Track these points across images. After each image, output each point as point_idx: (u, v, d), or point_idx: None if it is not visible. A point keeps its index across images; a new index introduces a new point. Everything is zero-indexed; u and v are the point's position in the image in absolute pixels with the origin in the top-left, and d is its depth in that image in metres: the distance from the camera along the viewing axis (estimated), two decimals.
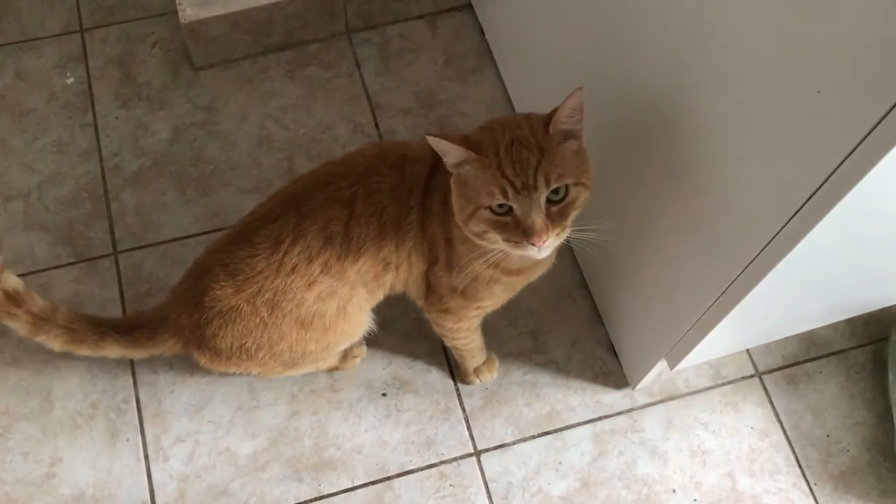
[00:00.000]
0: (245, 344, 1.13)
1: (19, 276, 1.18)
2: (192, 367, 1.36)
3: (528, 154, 0.90)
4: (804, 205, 0.82)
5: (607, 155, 1.22)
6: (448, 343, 1.30)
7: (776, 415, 1.40)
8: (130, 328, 1.20)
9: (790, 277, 0.94)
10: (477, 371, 1.37)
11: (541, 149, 0.91)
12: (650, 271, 1.22)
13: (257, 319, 1.10)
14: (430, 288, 1.13)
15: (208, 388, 1.37)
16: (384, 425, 1.36)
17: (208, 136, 1.58)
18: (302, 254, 1.05)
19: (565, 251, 1.49)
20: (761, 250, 0.91)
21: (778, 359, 1.45)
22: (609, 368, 1.42)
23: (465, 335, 1.25)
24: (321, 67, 1.66)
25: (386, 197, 1.05)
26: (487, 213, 0.93)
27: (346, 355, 1.36)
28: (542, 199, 0.91)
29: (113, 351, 1.22)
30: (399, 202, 1.05)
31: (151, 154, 1.56)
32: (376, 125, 1.60)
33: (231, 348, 1.14)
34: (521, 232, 0.91)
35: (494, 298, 1.13)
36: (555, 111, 0.92)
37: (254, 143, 1.58)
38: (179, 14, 1.55)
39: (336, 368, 1.37)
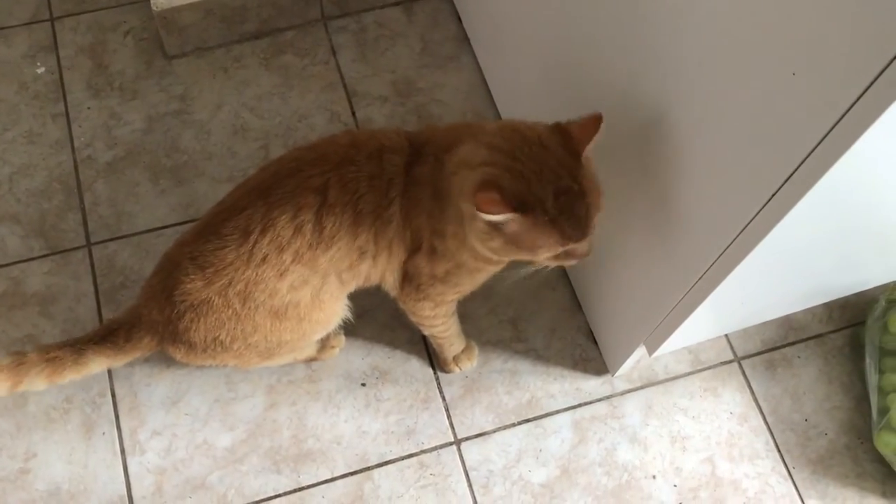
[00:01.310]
0: (219, 336, 1.12)
1: None
2: (167, 360, 1.34)
3: (578, 203, 0.93)
4: (778, 191, 0.82)
5: None
6: (426, 332, 1.30)
7: (755, 400, 1.41)
8: (105, 335, 1.17)
9: (766, 262, 0.94)
10: (456, 359, 1.36)
11: (583, 191, 0.93)
12: (627, 258, 1.21)
13: (230, 311, 1.09)
14: (406, 277, 1.12)
15: (185, 381, 1.36)
16: (363, 415, 1.35)
17: (182, 126, 1.56)
18: (272, 244, 1.04)
19: None
20: (736, 236, 0.91)
21: (756, 344, 1.45)
22: (589, 355, 1.42)
23: (444, 321, 1.25)
24: (296, 55, 1.64)
25: (363, 186, 1.03)
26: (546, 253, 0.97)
27: (324, 345, 1.35)
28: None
29: (96, 363, 1.17)
30: (378, 192, 1.04)
31: (124, 144, 1.54)
32: (353, 113, 1.59)
33: (205, 341, 1.12)
34: (567, 254, 0.98)
35: (475, 284, 1.13)
36: (580, 139, 0.94)
37: (229, 133, 1.56)
38: (151, 2, 1.53)
39: (314, 359, 1.36)
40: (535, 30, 1.29)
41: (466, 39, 1.67)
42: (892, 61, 0.63)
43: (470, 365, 1.38)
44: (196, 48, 1.63)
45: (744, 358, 1.44)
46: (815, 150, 0.75)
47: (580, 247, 0.97)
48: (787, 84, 0.75)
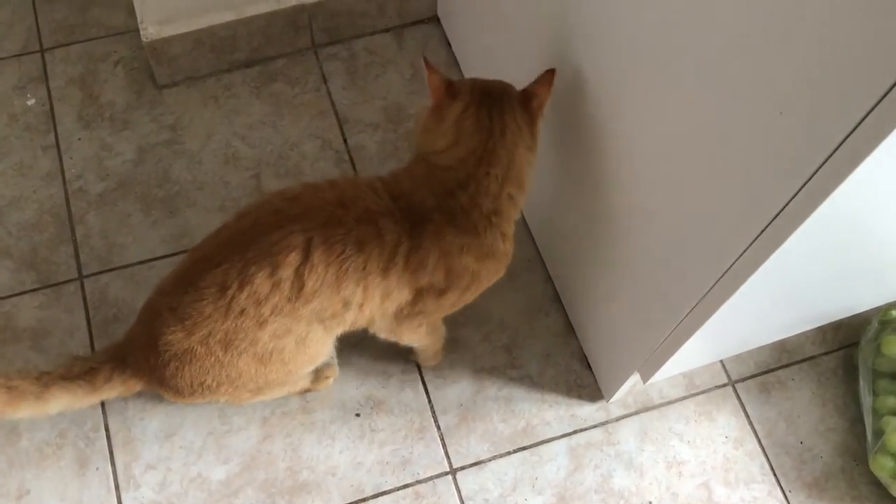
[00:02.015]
0: (205, 382, 1.11)
1: None
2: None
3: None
4: (773, 219, 0.82)
5: (574, 164, 1.22)
6: (414, 345, 1.30)
7: (750, 423, 1.41)
8: (80, 373, 1.13)
9: (761, 291, 0.94)
10: (435, 353, 1.38)
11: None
12: (621, 285, 1.22)
13: (212, 359, 1.08)
14: (404, 315, 1.12)
15: (178, 414, 1.35)
16: (358, 446, 1.35)
17: (173, 156, 1.56)
18: (249, 298, 1.03)
19: (537, 265, 1.49)
20: (731, 265, 0.91)
21: (750, 367, 1.46)
22: (583, 381, 1.42)
23: (434, 330, 1.28)
24: (287, 83, 1.64)
25: (350, 249, 1.02)
26: None
27: (318, 376, 1.34)
28: None
29: (58, 402, 1.12)
30: (377, 255, 1.04)
31: (116, 175, 1.53)
32: (345, 140, 1.59)
33: (191, 386, 1.12)
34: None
35: (479, 290, 1.16)
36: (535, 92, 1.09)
37: (220, 162, 1.56)
38: (141, 32, 1.53)
39: (308, 390, 1.36)
40: (525, 55, 1.29)
41: (456, 64, 1.67)
42: (891, 88, 0.63)
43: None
44: (187, 77, 1.63)
45: (738, 381, 1.44)
46: (810, 182, 0.75)
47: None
48: (778, 117, 0.75)
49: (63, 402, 1.13)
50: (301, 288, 1.02)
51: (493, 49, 1.45)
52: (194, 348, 1.07)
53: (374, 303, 1.08)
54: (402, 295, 1.08)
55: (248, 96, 1.63)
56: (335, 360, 1.35)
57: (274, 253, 1.02)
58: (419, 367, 1.40)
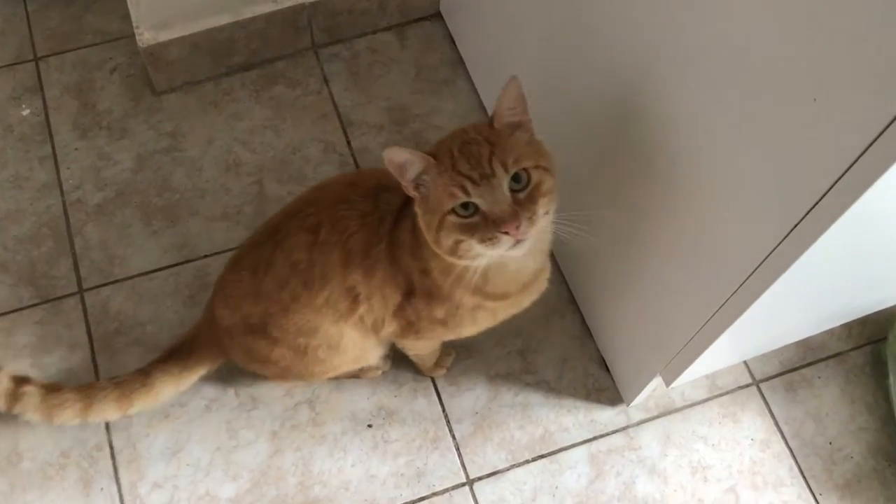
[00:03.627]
0: (255, 358, 1.16)
1: None
2: (166, 410, 1.30)
3: (479, 149, 0.87)
4: (807, 214, 0.77)
5: (593, 162, 1.17)
6: (409, 353, 1.28)
7: (776, 424, 1.36)
8: (168, 354, 1.22)
9: (793, 288, 0.89)
10: (439, 362, 1.34)
11: (491, 142, 0.88)
12: (641, 285, 1.17)
13: (251, 340, 1.12)
14: (407, 323, 1.07)
15: (185, 430, 1.31)
16: (371, 458, 1.30)
17: (173, 164, 1.52)
18: (273, 282, 1.06)
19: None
20: (763, 261, 0.87)
21: (775, 365, 1.41)
22: (602, 385, 1.37)
23: (435, 346, 1.26)
24: (288, 86, 1.60)
25: (353, 224, 1.01)
26: (454, 219, 0.87)
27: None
28: (504, 185, 0.86)
29: (164, 385, 1.21)
30: (369, 230, 1.01)
31: (115, 185, 1.49)
32: (348, 143, 1.54)
33: (246, 360, 1.19)
34: (492, 224, 0.85)
35: (477, 326, 1.08)
36: (496, 107, 0.89)
37: (221, 169, 1.51)
38: (137, 38, 1.49)
39: (356, 376, 1.34)
40: (531, 49, 1.25)
41: (461, 62, 1.63)
42: None
43: (450, 359, 1.36)
44: (185, 83, 1.58)
45: (762, 381, 1.39)
46: (846, 175, 0.70)
47: (496, 207, 0.85)
48: (812, 110, 0.71)
49: (168, 385, 1.21)
50: (312, 270, 1.03)
51: (499, 45, 1.41)
52: (237, 326, 1.12)
53: (376, 295, 1.03)
54: (394, 290, 1.03)
55: (248, 100, 1.58)
56: (388, 361, 1.35)
57: (291, 234, 1.04)
58: (432, 378, 1.36)
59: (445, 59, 1.64)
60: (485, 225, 0.86)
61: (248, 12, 1.52)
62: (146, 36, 1.49)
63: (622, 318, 1.28)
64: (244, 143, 1.54)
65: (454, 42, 1.65)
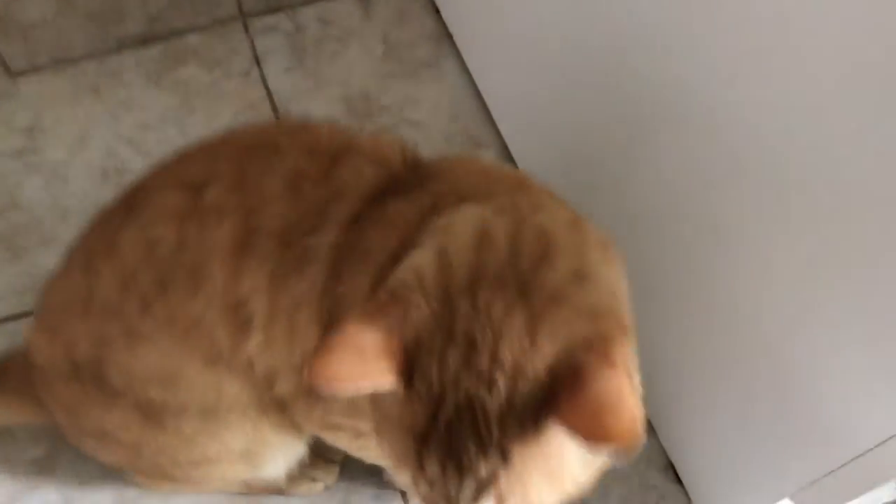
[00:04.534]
0: (84, 426, 0.79)
1: None
2: None
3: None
4: None
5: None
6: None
7: None
8: None
9: None
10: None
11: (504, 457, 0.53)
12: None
13: (77, 391, 0.76)
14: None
15: None
16: None
17: (26, 171, 1.17)
18: (114, 280, 0.70)
19: None
20: None
21: None
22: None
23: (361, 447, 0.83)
24: (202, 66, 1.26)
25: (276, 186, 0.67)
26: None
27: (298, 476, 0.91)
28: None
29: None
30: (306, 205, 0.67)
31: None
32: None
33: (72, 427, 0.83)
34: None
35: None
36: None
37: (96, 178, 1.17)
38: None
39: (280, 492, 0.92)
40: (541, 17, 0.97)
41: (448, 36, 1.30)
42: None
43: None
44: (53, 60, 1.25)
45: None
46: None
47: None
48: None
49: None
50: (178, 259, 0.67)
51: (500, 14, 1.12)
52: (56, 364, 0.76)
53: (280, 322, 0.66)
54: (311, 323, 0.65)
55: (143, 85, 1.25)
56: (333, 464, 0.94)
57: (157, 192, 0.71)
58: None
59: (426, 33, 1.32)
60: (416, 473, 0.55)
61: None
62: None
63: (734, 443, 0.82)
64: (133, 141, 1.20)
65: (438, 11, 1.32)
